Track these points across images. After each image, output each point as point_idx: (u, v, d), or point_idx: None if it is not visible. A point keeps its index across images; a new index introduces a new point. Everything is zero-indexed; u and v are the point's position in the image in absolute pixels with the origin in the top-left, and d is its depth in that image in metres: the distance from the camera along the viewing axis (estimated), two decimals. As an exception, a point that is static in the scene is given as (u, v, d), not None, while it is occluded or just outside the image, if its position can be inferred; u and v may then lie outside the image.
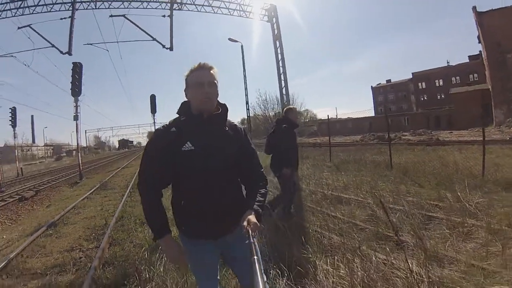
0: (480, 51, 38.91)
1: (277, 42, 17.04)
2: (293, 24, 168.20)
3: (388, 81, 68.02)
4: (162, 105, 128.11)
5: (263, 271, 1.03)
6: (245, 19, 18.06)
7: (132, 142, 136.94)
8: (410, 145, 16.97)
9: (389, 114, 54.14)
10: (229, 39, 18.07)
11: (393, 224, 3.55)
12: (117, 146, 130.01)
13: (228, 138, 1.56)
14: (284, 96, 17.22)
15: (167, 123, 1.55)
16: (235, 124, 1.64)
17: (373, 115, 57.39)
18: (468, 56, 51.96)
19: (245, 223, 1.33)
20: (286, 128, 4.68)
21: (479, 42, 36.75)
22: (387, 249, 3.18)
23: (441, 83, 55.42)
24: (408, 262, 2.73)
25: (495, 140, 15.67)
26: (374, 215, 4.44)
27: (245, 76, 19.13)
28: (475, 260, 3.07)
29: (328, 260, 3.00)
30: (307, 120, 63.51)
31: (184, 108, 1.58)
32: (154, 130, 1.61)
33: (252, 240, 1.22)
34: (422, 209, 4.68)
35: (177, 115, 1.58)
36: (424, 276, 2.64)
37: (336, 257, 2.98)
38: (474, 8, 35.29)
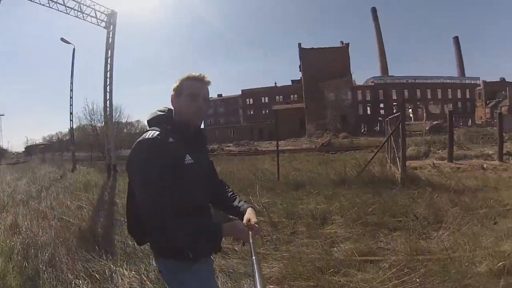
0: (301, 77, 57.91)
1: (109, 51, 18.20)
2: (142, 34, 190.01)
3: (220, 95, 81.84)
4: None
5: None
6: (84, 22, 17.97)
7: None
8: (231, 155, 20.76)
9: (217, 127, 67.23)
10: (62, 39, 20.32)
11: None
12: None
13: (207, 151, 1.83)
14: (108, 109, 18.48)
15: (156, 132, 1.51)
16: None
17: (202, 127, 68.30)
18: (291, 80, 73.84)
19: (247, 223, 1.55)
20: None
21: (300, 70, 56.60)
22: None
23: (266, 100, 73.62)
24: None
25: (303, 149, 22.22)
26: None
27: (71, 83, 21.78)
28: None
29: (129, 266, 3.77)
30: (138, 132, 68.41)
31: (169, 117, 1.65)
32: (147, 141, 1.48)
33: (252, 241, 1.40)
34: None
35: (153, 123, 1.63)
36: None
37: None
38: (299, 44, 56.84)
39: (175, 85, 1.67)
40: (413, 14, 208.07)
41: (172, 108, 1.70)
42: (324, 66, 52.59)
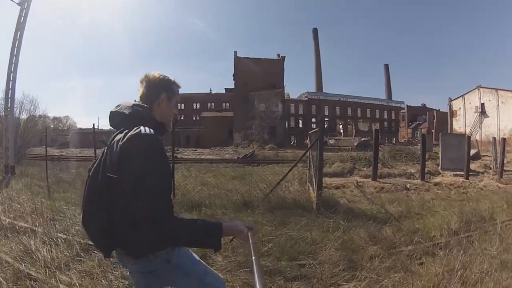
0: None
1: (19, 33, 16.24)
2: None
3: None
4: None
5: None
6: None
7: None
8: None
9: None
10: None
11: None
12: None
13: None
14: (9, 100, 16.61)
15: (150, 129, 1.54)
16: None
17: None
18: (225, 88, 73.51)
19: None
20: None
21: (234, 79, 56.85)
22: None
23: (198, 106, 74.15)
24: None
25: (224, 159, 21.91)
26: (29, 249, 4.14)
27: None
28: None
29: None
30: (66, 128, 69.63)
31: (150, 115, 1.71)
32: (151, 136, 1.49)
33: (251, 241, 1.52)
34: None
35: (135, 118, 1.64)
36: None
37: None
38: (235, 52, 56.90)
39: (164, 87, 1.77)
40: (352, 39, 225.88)
41: (145, 105, 1.73)
42: (257, 76, 53.22)
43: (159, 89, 1.74)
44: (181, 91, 1.89)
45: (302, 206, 6.42)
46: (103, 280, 3.41)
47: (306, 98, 68.65)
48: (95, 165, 1.60)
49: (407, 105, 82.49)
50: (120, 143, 1.49)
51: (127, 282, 3.29)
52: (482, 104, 51.09)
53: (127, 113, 1.64)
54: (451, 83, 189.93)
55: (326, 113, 67.16)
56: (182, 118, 71.35)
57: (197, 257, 1.88)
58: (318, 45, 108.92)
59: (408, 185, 10.70)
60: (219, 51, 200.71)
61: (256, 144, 41.90)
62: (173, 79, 1.79)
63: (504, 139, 15.23)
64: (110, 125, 1.72)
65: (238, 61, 56.16)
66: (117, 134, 1.59)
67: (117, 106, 1.71)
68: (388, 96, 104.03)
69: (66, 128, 70.37)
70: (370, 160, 14.05)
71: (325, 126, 62.17)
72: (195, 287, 1.76)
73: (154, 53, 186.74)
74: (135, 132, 1.48)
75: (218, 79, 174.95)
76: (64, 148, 46.24)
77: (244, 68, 54.55)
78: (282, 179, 7.34)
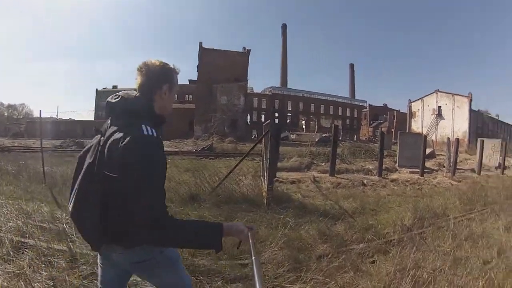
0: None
1: None
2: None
3: (115, 87, 77.18)
4: None
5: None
6: None
7: None
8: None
9: (98, 120, 61.92)
10: None
11: None
12: None
13: None
14: None
15: (152, 128, 1.51)
16: None
17: (93, 119, 61.68)
18: (189, 80, 71.17)
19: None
20: None
21: (197, 70, 55.79)
22: None
23: None
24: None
25: (181, 152, 21.81)
26: None
27: None
28: None
29: None
30: (21, 117, 66.59)
31: (151, 110, 1.64)
32: (154, 139, 1.48)
33: (251, 241, 1.53)
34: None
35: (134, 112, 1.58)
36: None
37: None
38: (200, 43, 55.73)
39: (166, 78, 1.66)
40: (318, 37, 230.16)
41: (139, 93, 1.65)
42: (221, 68, 52.49)
43: (160, 79, 1.63)
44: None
45: (252, 200, 6.07)
46: (24, 283, 3.01)
47: (270, 93, 68.89)
48: (90, 159, 1.53)
49: (369, 104, 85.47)
50: (121, 144, 1.44)
51: (52, 283, 3.07)
52: (439, 107, 54.01)
53: (129, 107, 1.57)
54: (412, 86, 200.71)
55: (290, 108, 67.83)
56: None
57: None
58: (286, 41, 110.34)
59: (365, 181, 10.73)
60: (184, 40, 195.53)
61: (216, 137, 41.49)
62: (172, 66, 1.69)
63: (457, 140, 15.91)
64: (107, 116, 1.66)
65: (203, 52, 54.94)
66: (115, 130, 1.53)
67: (115, 96, 1.63)
68: (352, 95, 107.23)
69: (21, 116, 65.64)
70: (329, 155, 13.95)
71: (288, 121, 62.80)
72: (181, 286, 1.75)
73: (125, 40, 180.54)
74: (137, 133, 1.45)
75: (186, 68, 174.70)
76: (17, 138, 43.22)
77: (209, 59, 53.51)
78: (230, 172, 6.93)
